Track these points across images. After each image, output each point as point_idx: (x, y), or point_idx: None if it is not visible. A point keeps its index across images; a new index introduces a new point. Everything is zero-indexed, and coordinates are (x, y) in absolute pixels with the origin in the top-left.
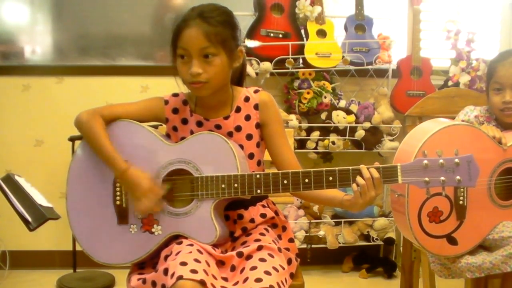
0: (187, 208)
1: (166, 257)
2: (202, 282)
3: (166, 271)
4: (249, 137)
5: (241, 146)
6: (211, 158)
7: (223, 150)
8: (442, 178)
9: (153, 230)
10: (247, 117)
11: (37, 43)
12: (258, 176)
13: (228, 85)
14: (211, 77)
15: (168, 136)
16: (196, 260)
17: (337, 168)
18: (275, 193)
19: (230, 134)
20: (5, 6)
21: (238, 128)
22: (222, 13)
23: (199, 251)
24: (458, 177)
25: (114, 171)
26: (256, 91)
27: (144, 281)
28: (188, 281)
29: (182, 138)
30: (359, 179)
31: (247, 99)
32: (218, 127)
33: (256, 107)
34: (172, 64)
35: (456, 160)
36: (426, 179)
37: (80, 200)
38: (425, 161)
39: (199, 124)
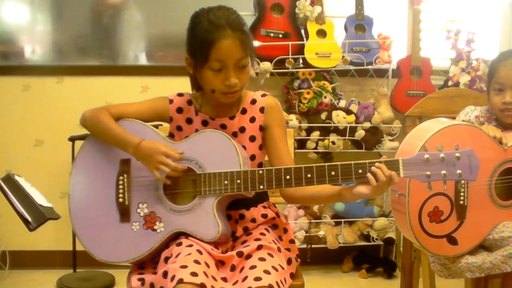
0: (190, 205)
1: (166, 259)
2: (202, 286)
3: (165, 274)
4: (252, 139)
5: (244, 147)
6: (214, 155)
7: (225, 147)
8: (443, 171)
9: (155, 227)
10: (252, 119)
11: (37, 43)
12: (260, 172)
13: None
14: (243, 85)
15: (171, 135)
16: (196, 262)
17: (339, 163)
18: (277, 188)
19: (234, 135)
20: (5, 6)
21: (243, 129)
22: (239, 17)
23: (198, 251)
24: (459, 171)
25: (128, 148)
26: (263, 95)
27: (143, 283)
28: (189, 285)
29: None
30: (379, 173)
31: (253, 101)
32: (223, 126)
33: (261, 110)
34: (192, 71)
35: (457, 154)
36: (428, 172)
37: (83, 198)
38: (426, 155)
39: (205, 123)
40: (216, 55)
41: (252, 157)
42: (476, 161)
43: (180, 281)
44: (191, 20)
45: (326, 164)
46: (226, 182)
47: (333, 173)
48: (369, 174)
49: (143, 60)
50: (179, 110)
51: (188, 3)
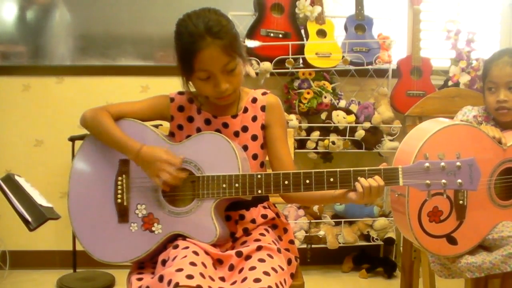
0: (188, 207)
1: (163, 262)
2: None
3: (161, 278)
4: (254, 138)
5: (246, 147)
6: (213, 158)
7: (225, 150)
8: (444, 181)
9: (153, 228)
10: (254, 118)
11: (37, 43)
12: (259, 176)
13: None
14: (236, 87)
15: (172, 134)
16: (192, 264)
17: (338, 170)
18: (275, 193)
19: (236, 134)
20: (5, 6)
21: (245, 129)
22: (223, 20)
23: (195, 252)
24: (459, 180)
25: (128, 153)
26: (264, 93)
27: (141, 286)
28: None
29: (188, 137)
30: (361, 181)
31: (254, 100)
32: (225, 125)
33: (263, 108)
34: (184, 79)
35: (458, 163)
36: (427, 181)
37: (82, 198)
38: (427, 164)
39: (207, 121)
40: (200, 66)
41: (254, 157)
42: (477, 170)
43: (176, 285)
44: (175, 28)
45: (325, 170)
46: (224, 185)
47: (331, 179)
48: (357, 183)
49: (143, 60)
50: (180, 109)
51: (188, 2)
